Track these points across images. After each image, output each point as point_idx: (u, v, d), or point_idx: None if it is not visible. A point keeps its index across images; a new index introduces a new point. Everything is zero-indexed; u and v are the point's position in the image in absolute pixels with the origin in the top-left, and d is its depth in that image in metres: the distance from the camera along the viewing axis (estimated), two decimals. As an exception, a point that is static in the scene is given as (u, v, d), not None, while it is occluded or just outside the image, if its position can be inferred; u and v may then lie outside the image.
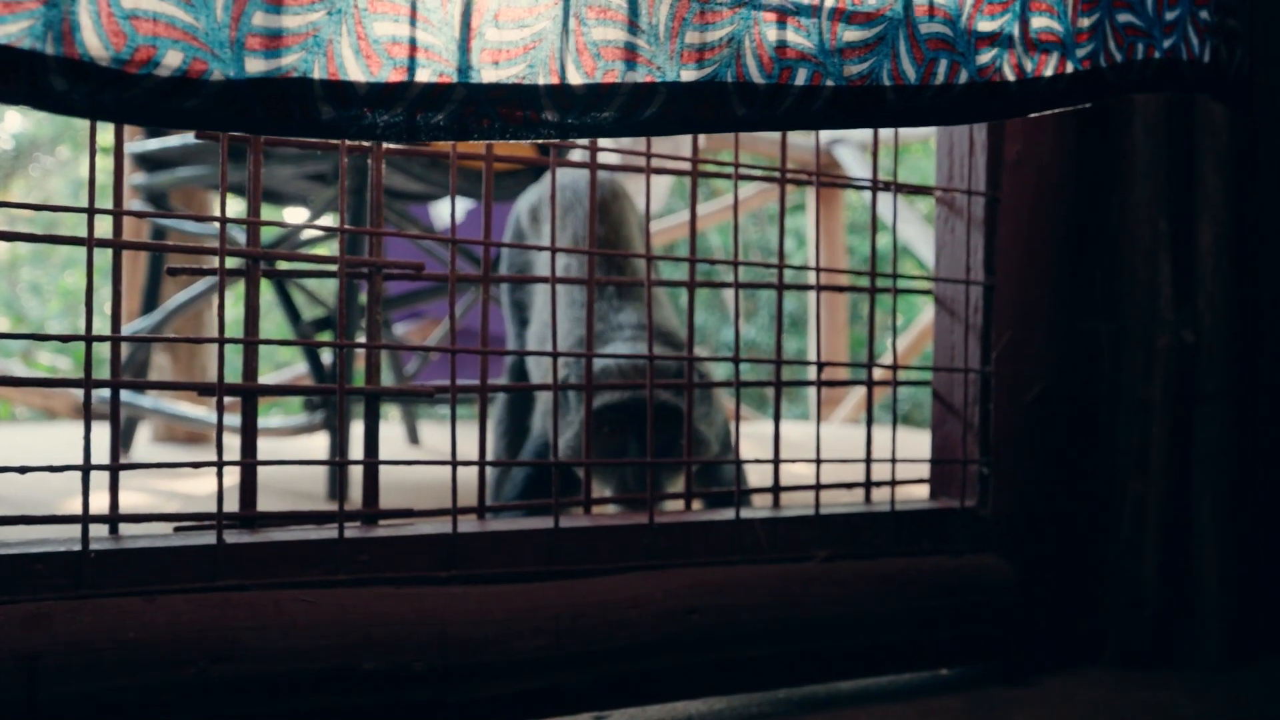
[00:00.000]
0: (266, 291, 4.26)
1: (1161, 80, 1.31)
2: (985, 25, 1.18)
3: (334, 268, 1.27)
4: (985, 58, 1.19)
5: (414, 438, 4.11)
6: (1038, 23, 1.22)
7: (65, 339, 1.07)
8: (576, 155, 3.62)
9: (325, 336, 3.09)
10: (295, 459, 1.17)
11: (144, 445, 4.04)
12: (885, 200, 3.05)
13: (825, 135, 5.77)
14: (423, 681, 1.15)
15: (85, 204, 1.09)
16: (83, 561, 1.07)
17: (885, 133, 1.66)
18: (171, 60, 0.87)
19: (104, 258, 4.80)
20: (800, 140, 5.56)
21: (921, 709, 1.41)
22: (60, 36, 0.83)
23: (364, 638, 1.12)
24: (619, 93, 1.03)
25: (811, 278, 6.14)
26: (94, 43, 0.84)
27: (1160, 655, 1.60)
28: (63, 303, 10.47)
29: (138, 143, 3.34)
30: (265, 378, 5.64)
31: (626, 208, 2.23)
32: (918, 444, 1.63)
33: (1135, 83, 1.30)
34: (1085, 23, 1.24)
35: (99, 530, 1.15)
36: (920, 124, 1.18)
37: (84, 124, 1.23)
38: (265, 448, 3.68)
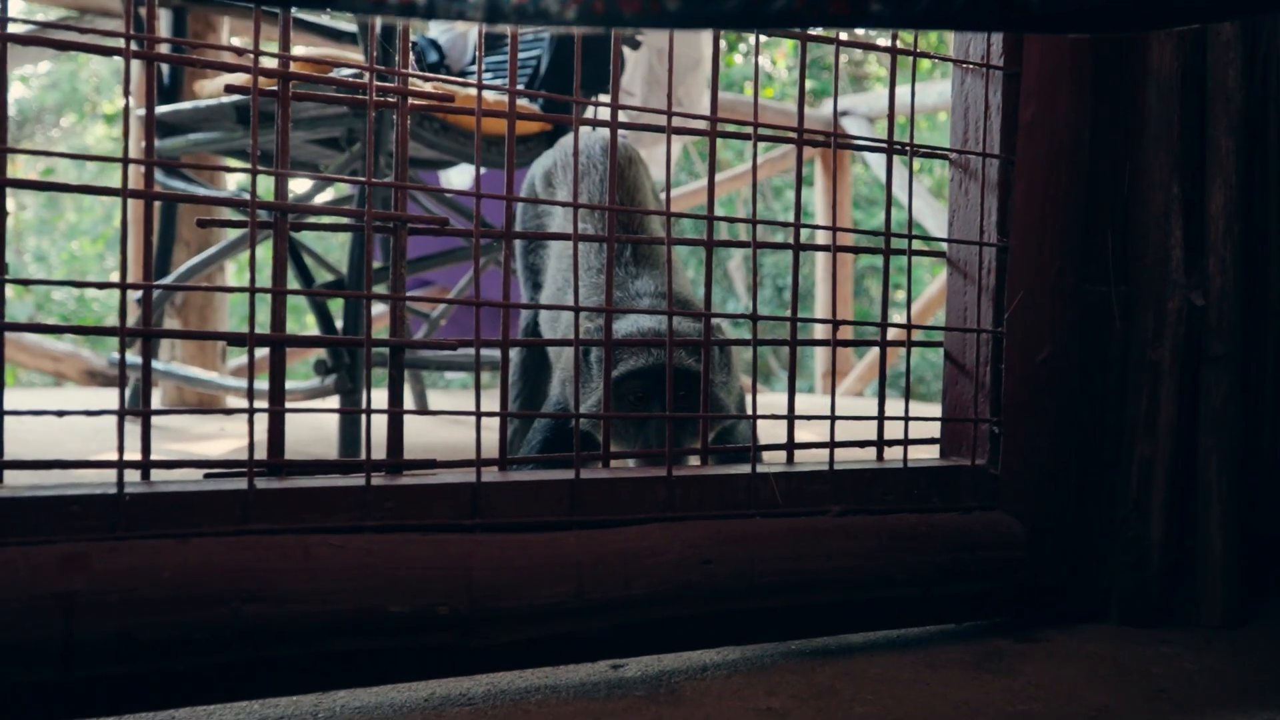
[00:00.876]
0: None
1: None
2: None
3: (359, 222, 1.29)
4: None
5: (423, 404, 4.14)
6: None
7: (101, 286, 1.09)
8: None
9: (336, 302, 3.12)
10: (314, 420, 1.19)
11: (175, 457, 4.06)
12: (897, 175, 3.05)
13: (832, 107, 5.77)
14: (447, 626, 1.18)
15: (95, 169, 1.11)
16: (118, 504, 1.09)
17: (896, 104, 1.67)
18: None
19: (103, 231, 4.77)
20: (810, 112, 5.57)
21: (930, 660, 1.44)
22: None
23: (390, 581, 1.15)
24: None
25: (822, 240, 6.13)
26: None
27: (1164, 614, 1.63)
28: (68, 270, 10.49)
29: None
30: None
31: (641, 173, 2.25)
32: (926, 414, 1.65)
33: None
34: None
35: (132, 476, 1.18)
36: (1069, 30, 1.05)
37: (88, 91, 1.24)
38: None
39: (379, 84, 1.25)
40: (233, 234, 3.65)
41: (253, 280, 1.17)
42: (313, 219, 1.62)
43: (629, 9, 0.82)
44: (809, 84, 10.39)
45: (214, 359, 4.23)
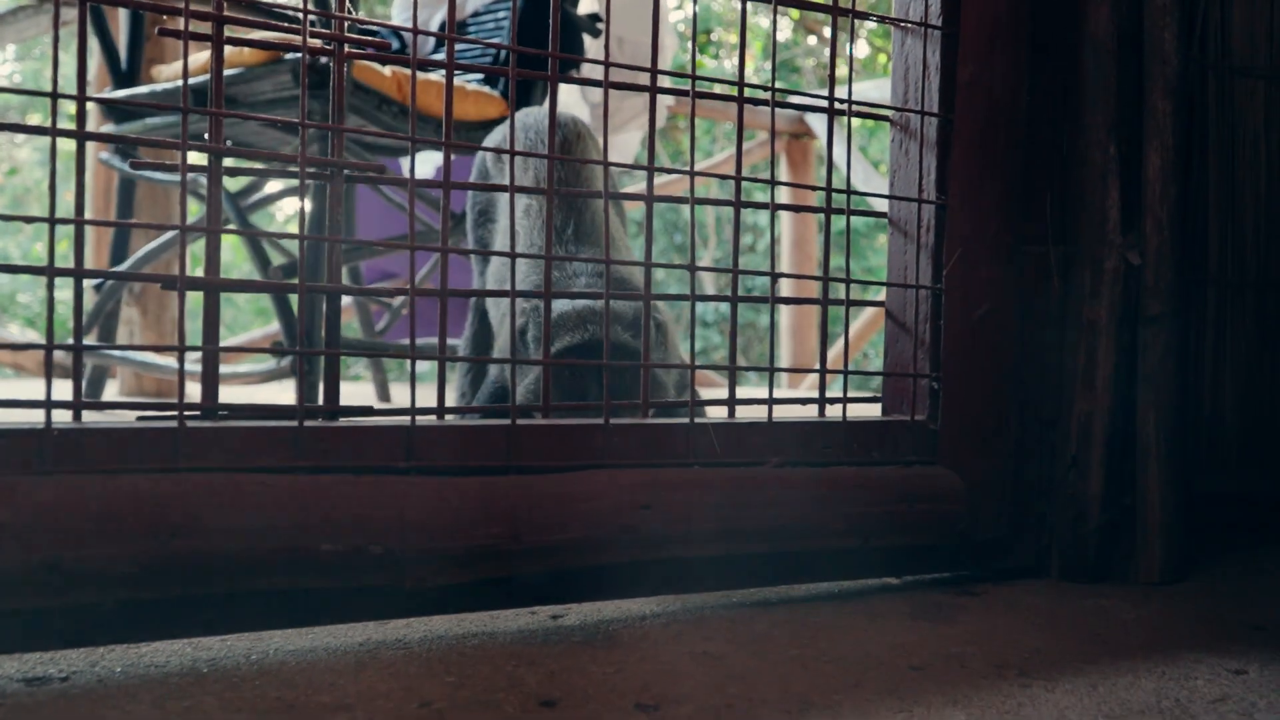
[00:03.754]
0: (242, 251, 4.18)
1: None
2: None
3: (295, 168, 1.29)
4: None
5: (384, 395, 4.13)
6: None
7: (29, 220, 1.09)
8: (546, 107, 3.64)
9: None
10: (255, 404, 1.19)
11: (111, 400, 4.04)
12: (840, 152, 3.09)
13: (791, 102, 5.81)
14: (380, 565, 1.18)
15: (63, 170, 1.11)
16: (44, 439, 1.09)
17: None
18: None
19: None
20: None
21: (870, 610, 1.46)
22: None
23: (322, 520, 1.15)
24: None
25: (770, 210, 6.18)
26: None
27: (1103, 570, 1.65)
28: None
29: (105, 92, 3.34)
30: (249, 333, 5.63)
31: (590, 149, 2.25)
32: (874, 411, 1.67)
33: None
34: None
35: (63, 416, 1.17)
36: None
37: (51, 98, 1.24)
38: (229, 396, 3.68)
39: (317, 30, 1.26)
40: (192, 216, 3.63)
41: (184, 219, 1.17)
42: (248, 164, 1.63)
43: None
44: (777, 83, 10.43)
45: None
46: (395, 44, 3.73)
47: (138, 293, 4.09)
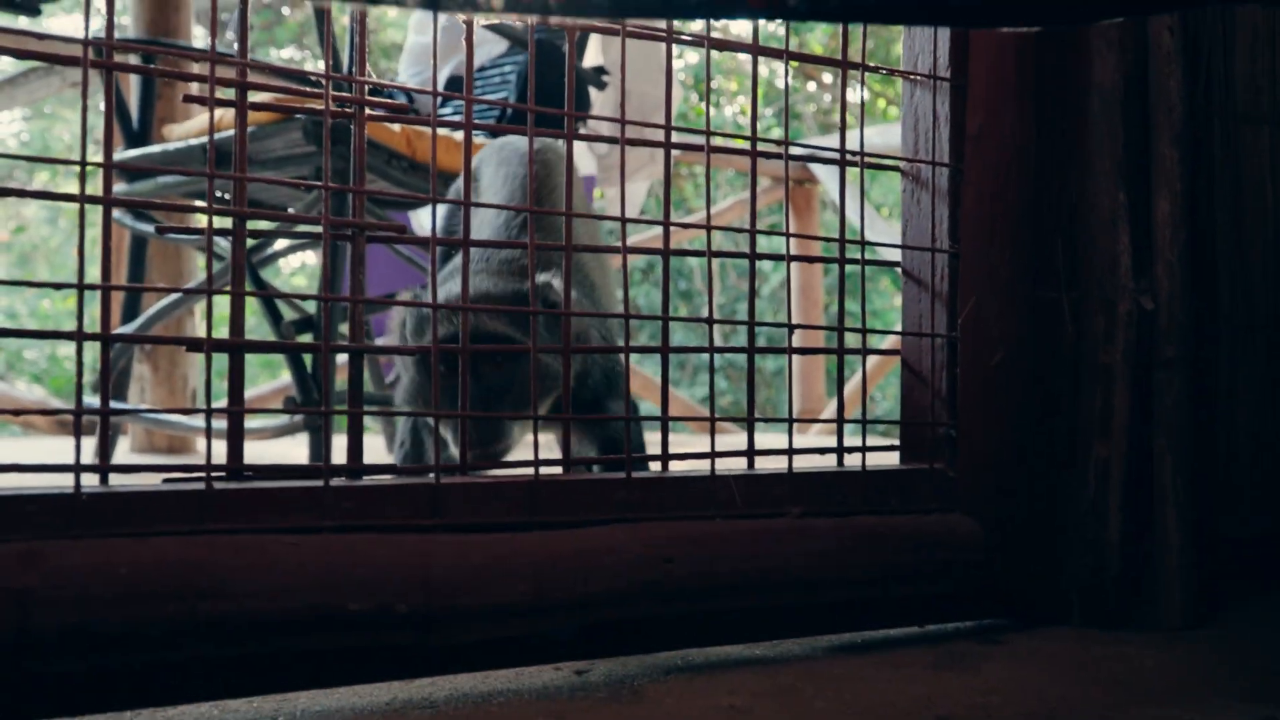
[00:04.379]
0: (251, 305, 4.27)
1: None
2: None
3: (317, 229, 1.30)
4: None
5: (393, 448, 4.13)
6: None
7: (58, 286, 1.10)
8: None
9: (306, 338, 3.12)
10: (281, 463, 1.20)
11: (123, 455, 4.04)
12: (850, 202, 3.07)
13: (797, 151, 5.86)
14: (406, 623, 1.18)
15: (67, 230, 1.13)
16: (74, 503, 1.09)
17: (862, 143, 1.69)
18: None
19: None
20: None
21: (894, 661, 1.45)
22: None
23: (348, 579, 1.15)
24: None
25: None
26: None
27: (1123, 616, 1.65)
28: (40, 326, 10.44)
29: (116, 150, 3.37)
30: (256, 389, 5.65)
31: (559, 179, 2.20)
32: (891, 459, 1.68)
33: None
34: None
35: (90, 480, 1.18)
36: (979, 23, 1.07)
37: (59, 149, 1.26)
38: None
39: (337, 93, 1.28)
40: (202, 274, 3.66)
41: (210, 281, 1.18)
42: (271, 226, 1.64)
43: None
44: (779, 133, 10.51)
45: (184, 403, 4.22)
46: (403, 98, 3.78)
47: (149, 350, 4.11)
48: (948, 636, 1.59)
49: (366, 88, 1.31)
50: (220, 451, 1.26)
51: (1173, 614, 1.65)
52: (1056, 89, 1.67)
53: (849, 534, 1.47)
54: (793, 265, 1.54)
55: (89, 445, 3.26)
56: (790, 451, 1.52)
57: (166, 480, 1.21)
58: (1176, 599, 1.65)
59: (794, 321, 1.53)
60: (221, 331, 1.67)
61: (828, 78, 11.50)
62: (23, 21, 5.16)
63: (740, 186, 9.41)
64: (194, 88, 1.29)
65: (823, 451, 1.59)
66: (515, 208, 1.46)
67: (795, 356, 1.53)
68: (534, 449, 1.36)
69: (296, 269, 11.54)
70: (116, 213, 3.34)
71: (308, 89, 1.28)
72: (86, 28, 1.09)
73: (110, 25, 1.14)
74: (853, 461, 1.59)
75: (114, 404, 3.38)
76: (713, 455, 1.46)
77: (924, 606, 1.56)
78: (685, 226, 1.53)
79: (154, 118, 3.54)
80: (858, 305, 1.56)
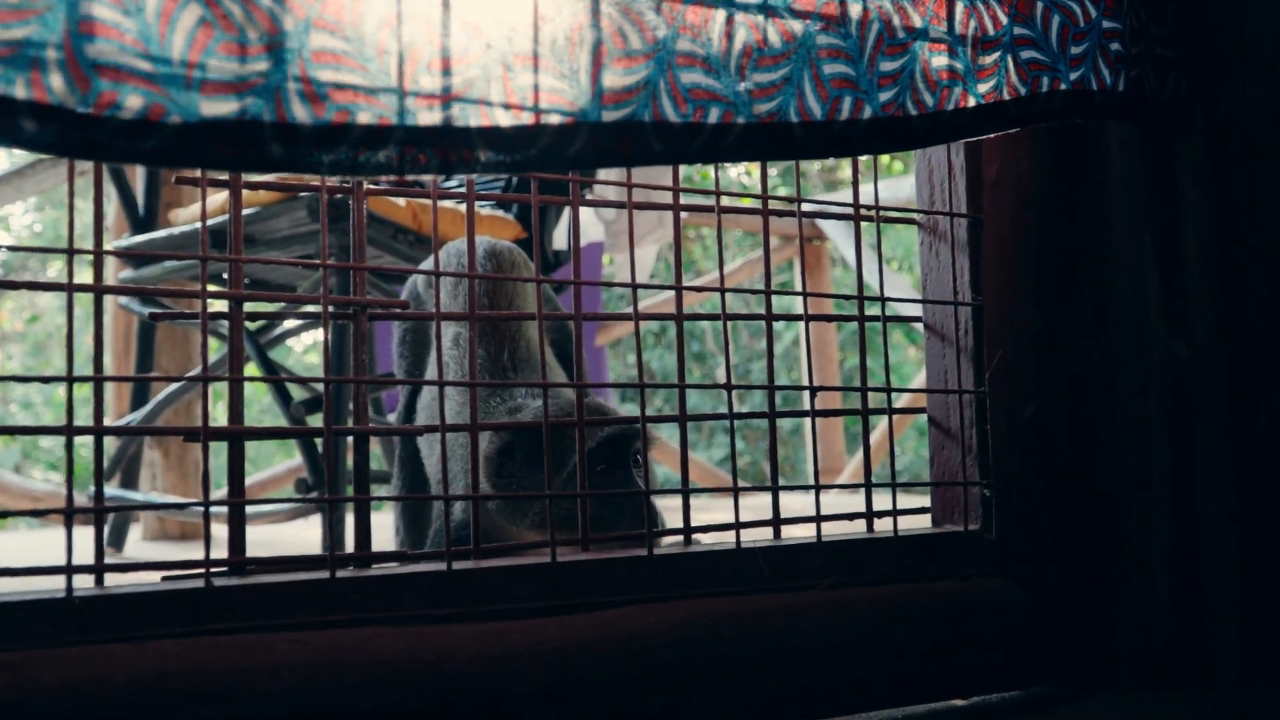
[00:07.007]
0: (259, 385, 4.19)
1: (1070, 109, 1.41)
2: (886, 66, 1.27)
3: (317, 308, 1.26)
4: (887, 95, 1.27)
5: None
6: (937, 62, 1.30)
7: (46, 380, 1.05)
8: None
9: (317, 418, 3.07)
10: (299, 539, 1.15)
11: (135, 543, 3.99)
12: (860, 255, 3.04)
13: (810, 208, 5.86)
14: (422, 721, 1.11)
15: (82, 317, 1.08)
16: (67, 608, 1.04)
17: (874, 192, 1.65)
18: (133, 104, 0.90)
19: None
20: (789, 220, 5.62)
21: (938, 738, 1.37)
22: (30, 83, 0.87)
23: (360, 676, 1.09)
24: (545, 133, 1.08)
25: (798, 314, 6.14)
26: (61, 88, 0.87)
27: (1175, 676, 1.56)
28: (55, 414, 10.43)
29: (124, 237, 3.36)
30: (271, 469, 5.59)
31: (520, 278, 2.13)
32: (919, 504, 1.61)
33: (1041, 113, 1.39)
34: (986, 60, 1.34)
35: (84, 581, 1.12)
36: (829, 155, 1.27)
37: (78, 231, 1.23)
38: (256, 536, 3.63)
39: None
40: (213, 353, 3.63)
41: (205, 368, 1.13)
42: (270, 308, 1.60)
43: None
44: (785, 190, 10.53)
45: (197, 491, 4.17)
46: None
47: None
48: (993, 710, 1.51)
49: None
50: (223, 536, 1.20)
51: (1227, 671, 1.56)
52: (1073, 131, 1.62)
53: (884, 605, 1.39)
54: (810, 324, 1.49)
55: (90, 541, 3.21)
56: (819, 519, 1.45)
57: (166, 579, 1.15)
58: (1229, 655, 1.57)
59: (812, 380, 1.47)
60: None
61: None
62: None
63: (748, 247, 9.39)
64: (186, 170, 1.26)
65: (851, 517, 1.53)
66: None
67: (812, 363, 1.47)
68: (549, 529, 1.30)
69: (310, 346, 11.53)
70: (123, 298, 3.31)
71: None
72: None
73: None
74: (883, 526, 1.53)
75: (124, 492, 3.33)
76: (737, 526, 1.40)
77: (966, 678, 1.48)
78: (699, 290, 1.48)
79: (159, 204, 3.53)
80: (873, 361, 1.50)
